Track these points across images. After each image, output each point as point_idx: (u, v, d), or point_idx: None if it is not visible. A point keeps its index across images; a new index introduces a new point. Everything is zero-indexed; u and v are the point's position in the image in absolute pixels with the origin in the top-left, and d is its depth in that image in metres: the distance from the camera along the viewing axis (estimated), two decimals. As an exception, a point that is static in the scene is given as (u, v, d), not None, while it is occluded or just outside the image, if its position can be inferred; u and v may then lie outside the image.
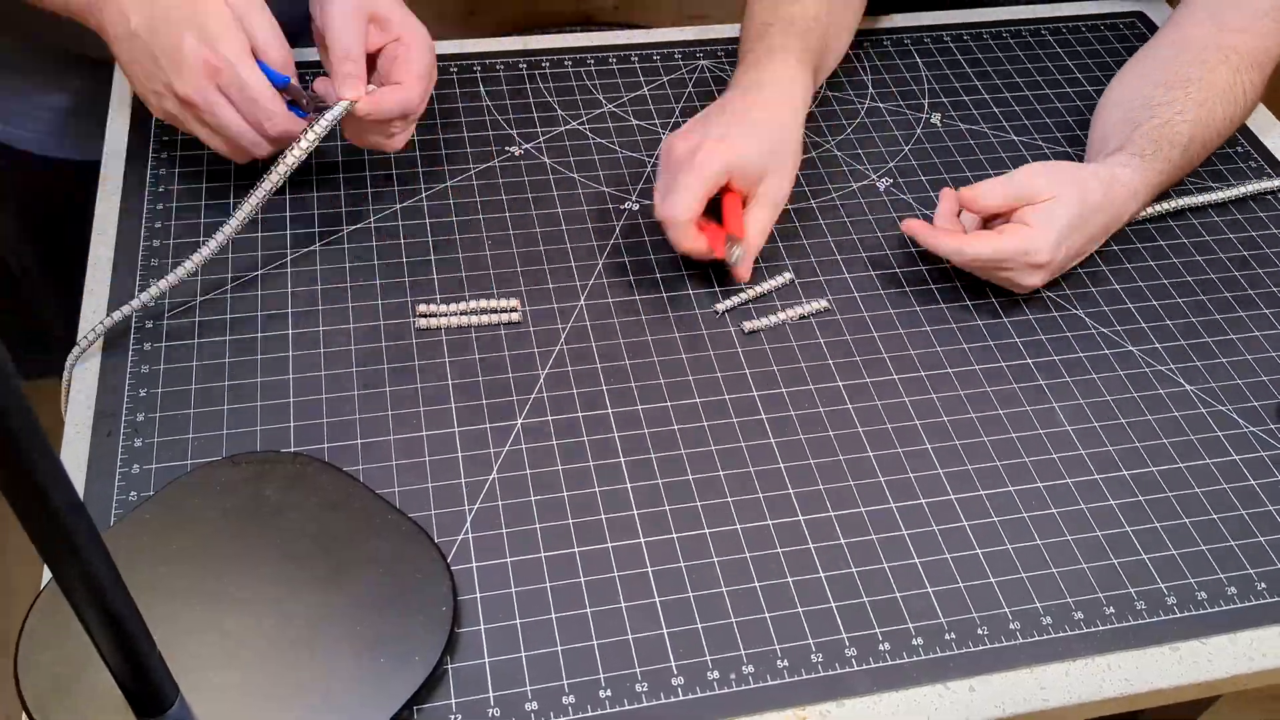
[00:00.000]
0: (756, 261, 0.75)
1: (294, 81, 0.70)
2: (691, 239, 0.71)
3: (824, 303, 0.75)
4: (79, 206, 0.79)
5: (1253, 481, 0.67)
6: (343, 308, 0.72)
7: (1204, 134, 0.78)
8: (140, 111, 0.83)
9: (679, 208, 0.70)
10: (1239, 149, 0.89)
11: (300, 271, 0.74)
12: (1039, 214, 0.70)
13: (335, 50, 0.70)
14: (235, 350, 0.69)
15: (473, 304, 0.72)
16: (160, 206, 0.77)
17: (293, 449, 0.64)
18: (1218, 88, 0.79)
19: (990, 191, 0.72)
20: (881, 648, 0.58)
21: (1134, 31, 1.00)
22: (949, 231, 0.73)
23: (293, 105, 0.71)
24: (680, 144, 0.72)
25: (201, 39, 0.66)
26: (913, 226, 0.74)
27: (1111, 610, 0.60)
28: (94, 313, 0.70)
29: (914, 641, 0.58)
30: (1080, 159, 0.86)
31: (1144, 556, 0.63)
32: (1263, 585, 0.62)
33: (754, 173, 0.72)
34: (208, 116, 0.69)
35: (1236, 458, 0.68)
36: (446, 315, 0.71)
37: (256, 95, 0.68)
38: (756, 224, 0.73)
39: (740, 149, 0.71)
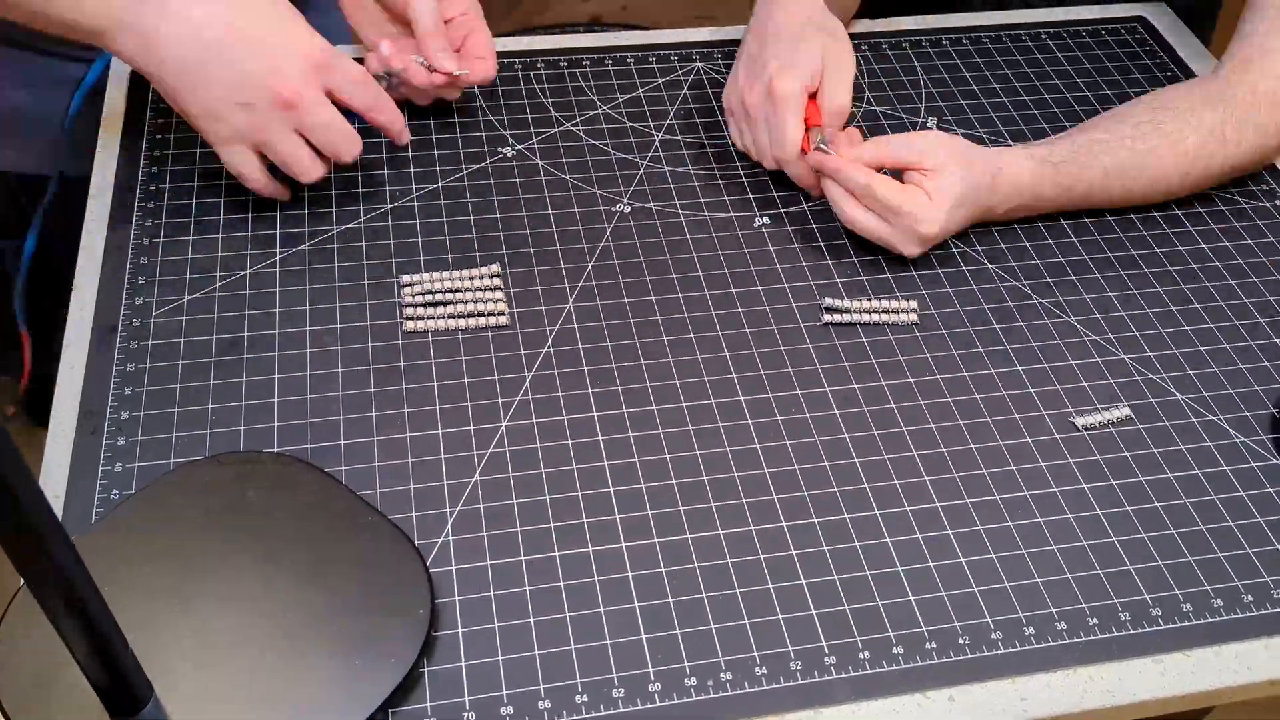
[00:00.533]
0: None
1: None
2: (807, 170, 0.78)
3: (809, 306, 0.74)
4: (73, 202, 0.79)
5: (1242, 493, 0.66)
6: (330, 308, 0.72)
7: (1140, 169, 0.78)
8: (132, 126, 0.83)
9: (789, 147, 0.77)
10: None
11: (289, 271, 0.74)
12: (934, 185, 0.73)
13: (423, 25, 0.78)
14: (221, 349, 0.69)
15: (460, 307, 0.72)
16: (151, 205, 0.77)
17: (276, 449, 0.64)
18: (1191, 126, 0.78)
19: (881, 145, 0.75)
20: (861, 656, 0.58)
21: (1135, 37, 0.99)
22: (861, 165, 0.74)
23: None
24: (749, 94, 0.79)
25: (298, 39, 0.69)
26: (821, 159, 0.75)
27: (1095, 621, 0.60)
28: (80, 317, 0.70)
29: (894, 650, 0.58)
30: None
31: (1129, 567, 0.62)
32: (1249, 598, 0.61)
33: (819, 69, 0.77)
34: (307, 116, 0.69)
35: (1227, 468, 0.67)
36: (434, 318, 0.71)
37: (366, 80, 0.72)
38: (837, 100, 0.78)
39: (803, 64, 0.77)
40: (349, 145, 0.72)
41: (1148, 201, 0.81)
